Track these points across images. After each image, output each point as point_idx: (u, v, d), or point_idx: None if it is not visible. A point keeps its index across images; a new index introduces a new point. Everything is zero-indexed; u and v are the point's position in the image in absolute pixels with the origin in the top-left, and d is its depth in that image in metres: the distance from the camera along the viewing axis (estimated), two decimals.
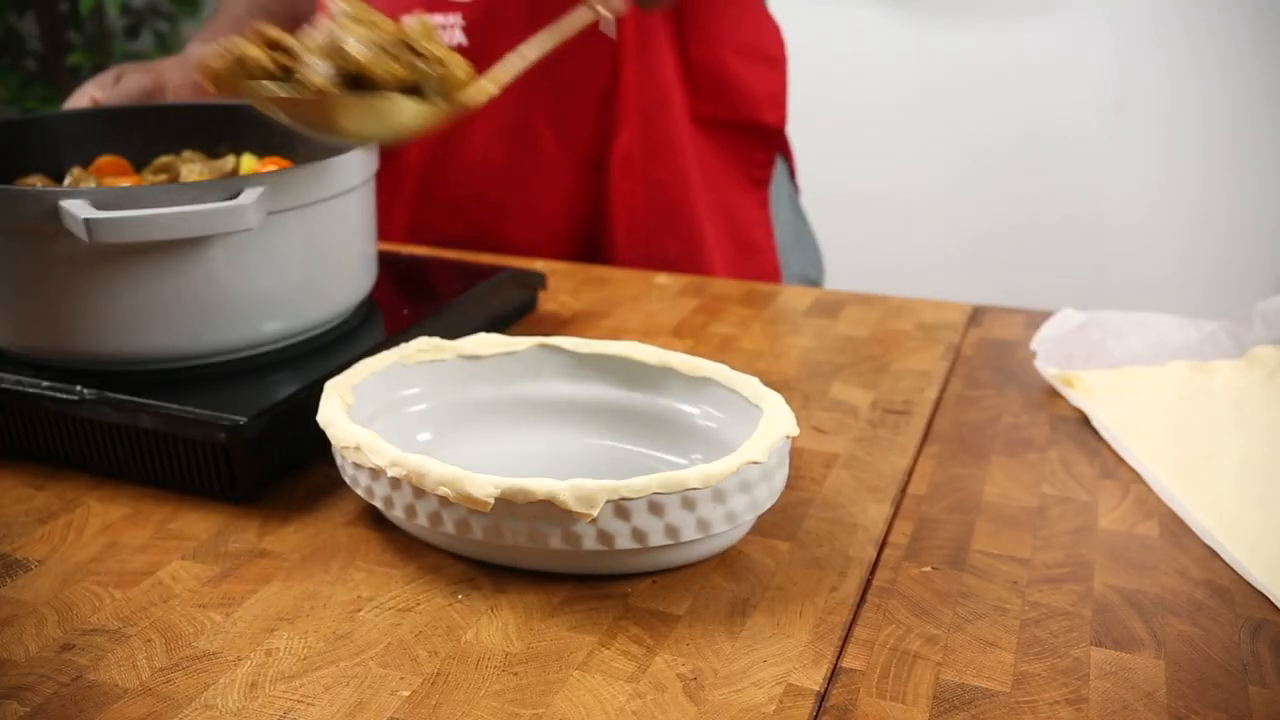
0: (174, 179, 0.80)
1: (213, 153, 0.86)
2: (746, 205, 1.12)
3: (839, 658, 0.50)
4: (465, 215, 1.10)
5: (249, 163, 0.82)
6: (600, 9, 0.64)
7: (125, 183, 0.79)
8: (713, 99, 1.08)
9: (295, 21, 1.14)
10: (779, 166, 1.18)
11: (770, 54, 1.11)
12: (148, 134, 0.85)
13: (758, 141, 1.12)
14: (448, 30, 1.03)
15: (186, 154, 0.84)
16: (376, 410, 0.64)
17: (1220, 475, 0.64)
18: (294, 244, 0.68)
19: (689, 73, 1.06)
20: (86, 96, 0.95)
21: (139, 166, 0.83)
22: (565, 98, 1.05)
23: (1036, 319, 0.88)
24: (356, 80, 0.60)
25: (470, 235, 1.09)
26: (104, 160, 0.82)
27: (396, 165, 1.08)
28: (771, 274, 1.15)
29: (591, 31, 1.03)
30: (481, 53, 1.03)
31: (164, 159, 0.83)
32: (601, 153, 1.06)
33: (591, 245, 1.10)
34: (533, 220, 1.08)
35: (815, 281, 1.24)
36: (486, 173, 1.08)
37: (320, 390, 0.63)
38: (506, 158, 1.07)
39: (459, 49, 1.03)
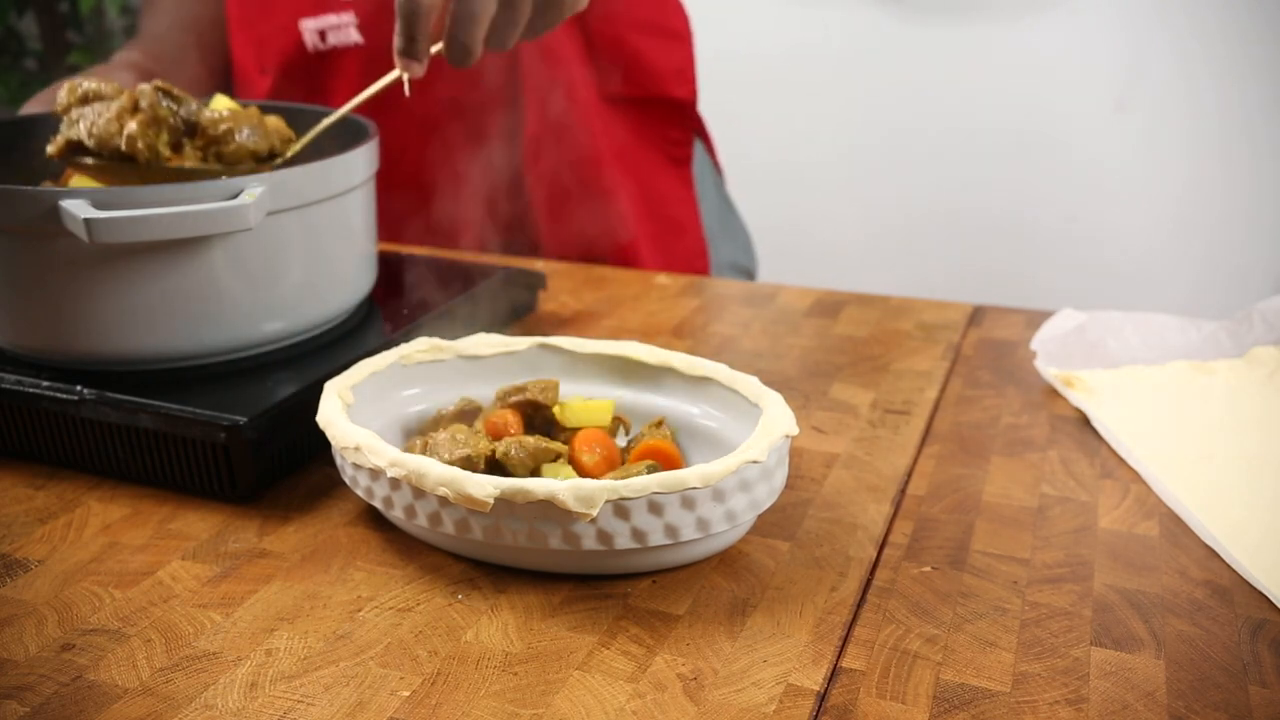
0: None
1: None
2: (667, 183, 1.13)
3: (839, 658, 0.50)
4: (387, 205, 1.10)
5: (222, 101, 0.79)
6: (403, 73, 0.71)
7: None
8: (618, 76, 1.09)
9: (217, 33, 1.15)
10: (699, 152, 1.18)
11: (674, 28, 1.12)
12: None
13: (670, 117, 1.13)
14: (342, 29, 1.04)
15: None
16: (376, 410, 0.64)
17: (1220, 475, 0.64)
18: (294, 244, 0.68)
19: (591, 52, 1.07)
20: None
21: None
22: (465, 88, 1.06)
23: (1036, 319, 0.88)
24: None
25: (393, 227, 1.10)
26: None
27: None
28: (699, 253, 1.15)
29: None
30: (378, 50, 1.04)
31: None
32: (512, 137, 1.07)
33: (516, 227, 1.10)
34: (455, 207, 1.09)
35: (747, 269, 1.25)
36: (403, 163, 1.09)
37: (320, 390, 0.63)
38: (419, 148, 1.08)
39: (355, 47, 1.04)
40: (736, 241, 1.21)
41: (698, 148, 1.18)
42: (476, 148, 1.08)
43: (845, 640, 0.51)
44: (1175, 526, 0.60)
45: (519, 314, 0.88)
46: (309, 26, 1.05)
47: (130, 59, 1.06)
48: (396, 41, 0.69)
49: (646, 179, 1.12)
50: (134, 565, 0.57)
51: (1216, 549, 0.58)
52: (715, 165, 1.21)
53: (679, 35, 1.12)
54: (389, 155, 1.08)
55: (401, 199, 1.09)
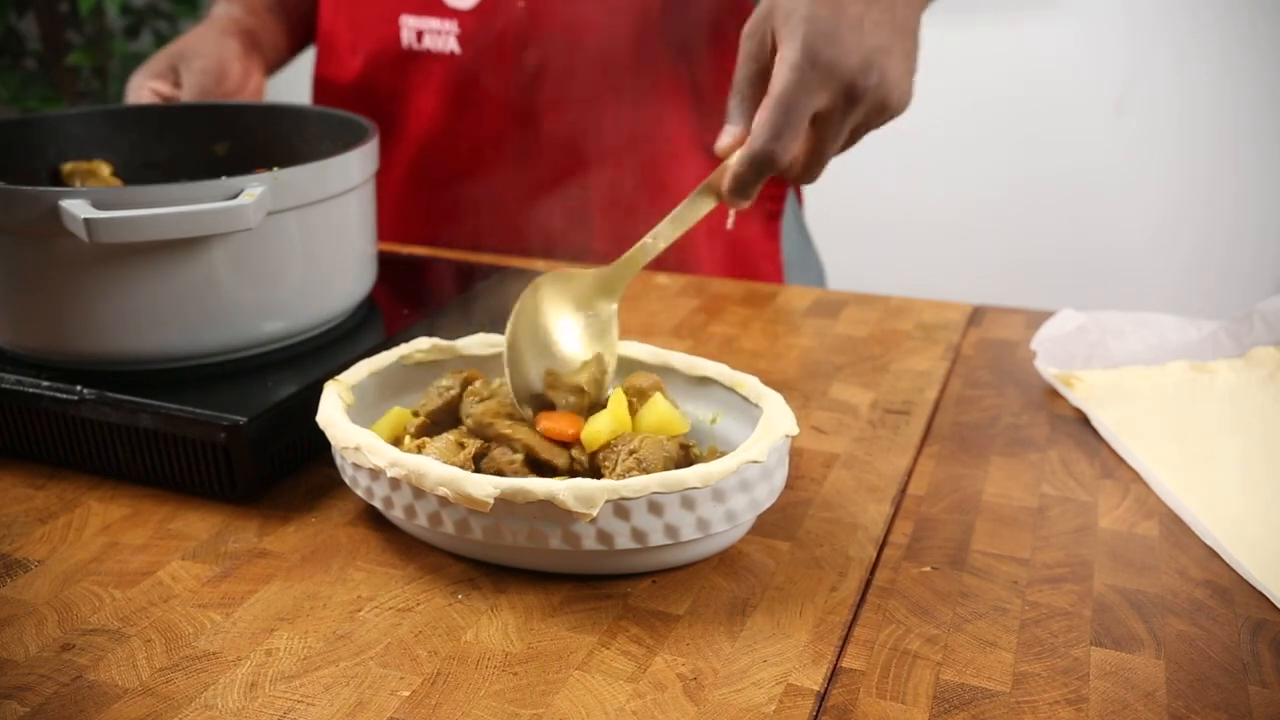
0: None
1: (212, 152, 0.86)
2: (756, 238, 1.12)
3: (839, 658, 0.50)
4: (438, 233, 1.10)
5: None
6: (726, 196, 0.67)
7: None
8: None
9: None
10: (789, 201, 1.17)
11: None
12: (148, 133, 0.85)
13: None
14: (442, 36, 1.03)
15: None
16: (376, 410, 0.64)
17: (1220, 475, 0.64)
18: (294, 244, 0.68)
19: (697, 101, 1.06)
20: (146, 90, 0.95)
21: (142, 165, 0.83)
22: (545, 132, 1.05)
23: (1036, 319, 0.88)
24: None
25: (436, 233, 1.10)
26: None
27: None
28: None
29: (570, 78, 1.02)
30: (472, 63, 1.03)
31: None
32: (583, 186, 1.06)
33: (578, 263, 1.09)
34: (515, 237, 1.08)
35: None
36: (462, 186, 1.08)
37: (320, 390, 0.63)
38: (487, 178, 1.07)
39: (450, 55, 1.03)
40: (810, 272, 1.19)
41: (789, 198, 1.17)
42: (538, 194, 1.06)
43: (845, 640, 0.51)
44: (1175, 526, 0.60)
45: None
46: (409, 24, 1.04)
47: (231, 15, 1.07)
48: (730, 183, 0.66)
49: (737, 233, 1.10)
50: (134, 565, 0.57)
51: (1216, 549, 0.58)
52: (798, 195, 1.19)
53: None
54: (449, 174, 1.07)
55: (453, 224, 1.08)
